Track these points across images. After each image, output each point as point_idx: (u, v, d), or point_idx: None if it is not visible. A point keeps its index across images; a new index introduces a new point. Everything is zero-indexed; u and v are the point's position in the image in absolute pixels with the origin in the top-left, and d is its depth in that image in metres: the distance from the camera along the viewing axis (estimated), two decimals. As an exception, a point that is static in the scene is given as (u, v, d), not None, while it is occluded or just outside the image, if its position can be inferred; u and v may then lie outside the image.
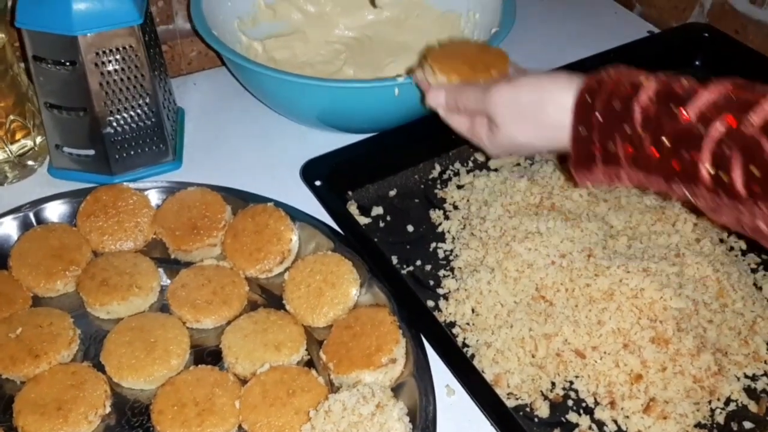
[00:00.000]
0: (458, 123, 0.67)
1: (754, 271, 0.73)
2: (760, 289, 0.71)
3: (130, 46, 0.72)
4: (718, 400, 0.63)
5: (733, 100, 0.50)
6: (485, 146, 0.65)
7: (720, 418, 0.62)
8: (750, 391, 0.64)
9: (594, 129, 0.54)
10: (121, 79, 0.73)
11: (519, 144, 0.61)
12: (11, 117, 0.76)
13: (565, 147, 0.57)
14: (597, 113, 0.54)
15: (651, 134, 0.52)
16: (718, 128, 0.49)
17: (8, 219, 0.72)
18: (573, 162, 0.57)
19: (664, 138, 0.51)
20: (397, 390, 0.61)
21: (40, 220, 0.73)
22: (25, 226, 0.72)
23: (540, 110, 0.58)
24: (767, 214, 0.49)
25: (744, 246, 0.75)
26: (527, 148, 0.63)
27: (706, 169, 0.50)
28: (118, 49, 0.72)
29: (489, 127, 0.63)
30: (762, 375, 0.65)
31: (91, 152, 0.77)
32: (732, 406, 0.63)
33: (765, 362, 0.65)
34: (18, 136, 0.78)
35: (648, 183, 0.55)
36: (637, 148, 0.53)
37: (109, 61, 0.72)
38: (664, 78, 0.53)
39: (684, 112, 0.51)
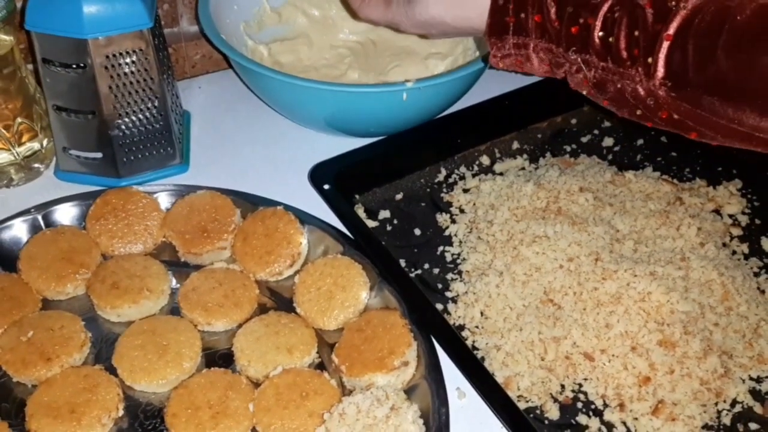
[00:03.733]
0: (375, 10, 0.74)
1: (756, 274, 0.73)
2: (763, 292, 0.72)
3: (140, 49, 0.72)
4: (725, 401, 0.64)
5: None
6: (401, 23, 0.71)
7: (726, 420, 0.63)
8: (755, 393, 0.64)
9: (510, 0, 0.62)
10: (131, 82, 0.73)
11: (431, 17, 0.67)
12: (19, 119, 0.76)
13: (471, 26, 0.65)
14: None
15: (557, 4, 0.59)
16: None
17: (18, 221, 0.72)
18: (487, 32, 0.63)
19: (567, 7, 0.59)
20: (409, 393, 0.61)
21: (49, 223, 0.73)
22: (34, 228, 0.72)
23: None
24: (644, 79, 0.56)
25: (746, 250, 0.76)
26: (438, 23, 0.68)
27: (597, 33, 0.57)
28: (128, 52, 0.72)
29: (407, 1, 0.69)
30: (766, 377, 0.66)
31: (99, 155, 0.77)
32: (738, 408, 0.64)
33: (769, 364, 0.66)
34: (25, 138, 0.78)
35: (551, 59, 0.61)
36: (544, 16, 0.60)
37: (119, 64, 0.72)
38: None
39: None
